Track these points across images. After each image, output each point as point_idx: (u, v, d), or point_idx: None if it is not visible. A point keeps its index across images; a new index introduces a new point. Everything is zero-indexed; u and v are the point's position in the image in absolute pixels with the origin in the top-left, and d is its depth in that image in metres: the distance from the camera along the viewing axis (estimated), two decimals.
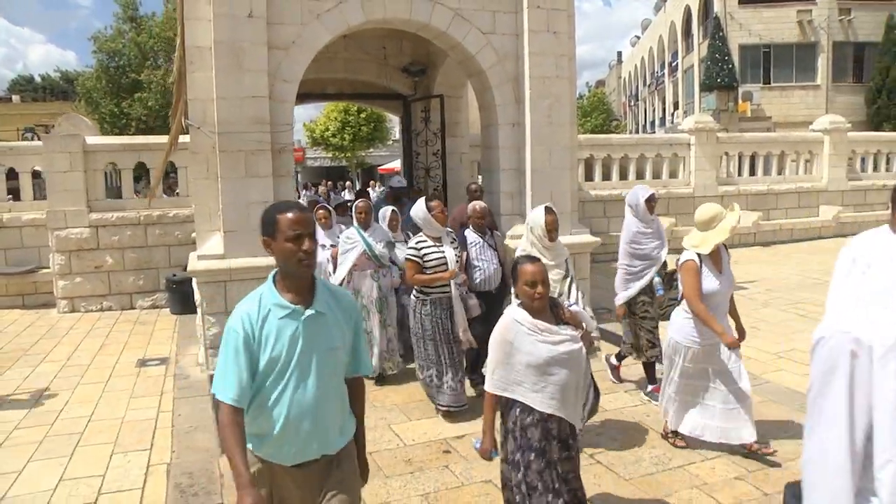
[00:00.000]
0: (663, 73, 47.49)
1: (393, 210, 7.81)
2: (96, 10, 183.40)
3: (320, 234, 7.69)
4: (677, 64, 43.67)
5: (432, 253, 6.09)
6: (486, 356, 3.89)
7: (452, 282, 6.11)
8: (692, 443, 5.36)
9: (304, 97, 11.86)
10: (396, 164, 40.90)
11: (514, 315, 3.65)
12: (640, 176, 15.43)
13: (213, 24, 7.47)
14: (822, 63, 33.93)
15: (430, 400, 6.39)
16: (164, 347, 8.83)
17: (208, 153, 7.73)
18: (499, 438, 3.74)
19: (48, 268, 11.31)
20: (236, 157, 7.59)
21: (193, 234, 10.98)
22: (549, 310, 3.72)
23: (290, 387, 2.64)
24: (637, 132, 52.98)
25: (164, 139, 12.73)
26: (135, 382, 7.36)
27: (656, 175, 15.61)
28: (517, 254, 4.99)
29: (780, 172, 17.09)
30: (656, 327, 6.53)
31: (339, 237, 7.49)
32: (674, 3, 43.97)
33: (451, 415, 6.14)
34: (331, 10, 8.12)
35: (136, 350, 8.71)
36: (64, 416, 6.35)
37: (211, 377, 7.32)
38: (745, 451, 5.15)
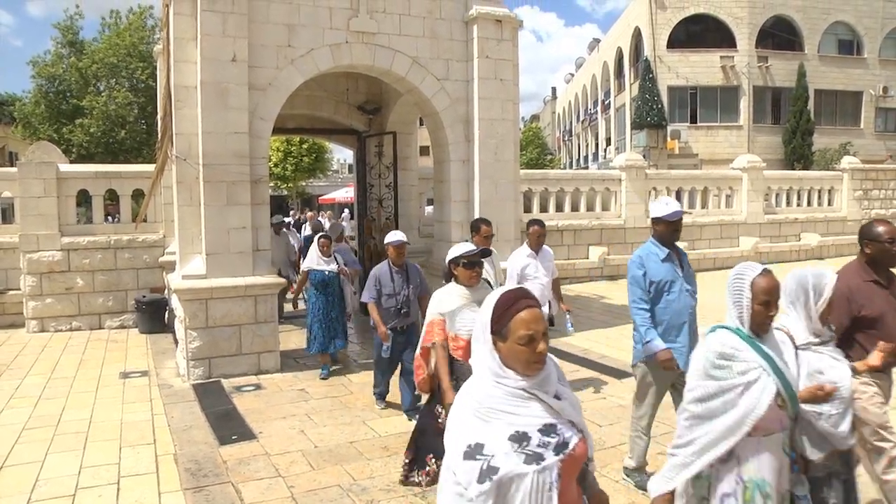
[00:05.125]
0: (596, 111, 49.72)
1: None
2: (18, 30, 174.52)
3: None
4: (610, 102, 45.96)
5: None
6: None
7: None
8: None
9: None
10: (337, 195, 41.82)
11: None
12: (574, 208, 16.66)
13: (200, 66, 8.34)
14: (744, 105, 36.45)
15: None
16: (141, 362, 9.43)
17: (192, 183, 8.53)
18: None
19: (16, 289, 11.76)
20: (219, 186, 8.42)
21: (161, 258, 11.77)
22: None
23: None
24: (571, 166, 55.20)
25: (134, 168, 13.53)
26: (123, 391, 7.99)
27: (590, 207, 16.89)
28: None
29: (703, 206, 18.66)
30: None
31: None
32: (607, 43, 46.45)
33: None
34: (304, 56, 9.08)
35: (115, 364, 9.29)
36: (66, 419, 6.97)
37: (192, 387, 8.09)
38: None
